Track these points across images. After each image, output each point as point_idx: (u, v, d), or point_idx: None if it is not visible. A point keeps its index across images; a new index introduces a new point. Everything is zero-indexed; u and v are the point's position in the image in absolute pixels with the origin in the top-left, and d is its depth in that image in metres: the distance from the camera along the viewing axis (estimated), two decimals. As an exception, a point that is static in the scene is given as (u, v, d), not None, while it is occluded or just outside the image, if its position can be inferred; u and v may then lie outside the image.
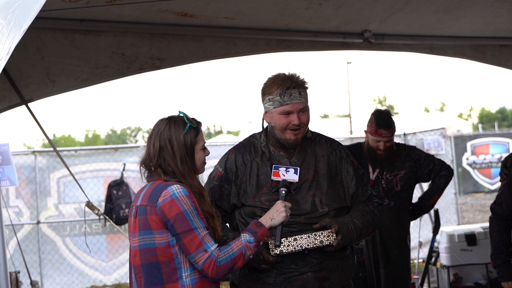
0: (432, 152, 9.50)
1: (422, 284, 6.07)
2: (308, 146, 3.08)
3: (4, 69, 2.32)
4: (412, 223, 5.34)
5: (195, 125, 2.71)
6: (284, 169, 2.92)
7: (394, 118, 4.96)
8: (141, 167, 2.76)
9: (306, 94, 2.99)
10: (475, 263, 6.21)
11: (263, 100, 3.03)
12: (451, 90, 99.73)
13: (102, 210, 8.61)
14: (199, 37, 4.68)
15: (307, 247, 2.84)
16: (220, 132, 63.82)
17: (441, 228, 6.43)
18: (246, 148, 3.09)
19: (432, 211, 6.82)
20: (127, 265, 2.84)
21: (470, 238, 6.33)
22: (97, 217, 8.25)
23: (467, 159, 17.69)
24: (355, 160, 3.23)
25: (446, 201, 9.90)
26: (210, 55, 4.78)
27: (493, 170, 17.56)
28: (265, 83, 3.04)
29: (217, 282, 2.70)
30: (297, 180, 2.91)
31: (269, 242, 2.81)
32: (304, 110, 2.97)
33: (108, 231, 9.08)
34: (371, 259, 4.94)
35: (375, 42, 5.13)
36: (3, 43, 2.13)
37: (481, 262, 6.13)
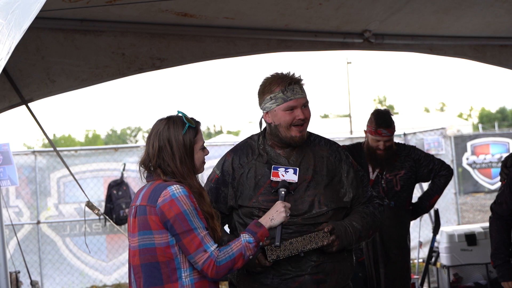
0: (432, 152, 9.49)
1: (422, 284, 6.07)
2: (307, 146, 3.08)
3: (4, 69, 2.32)
4: (412, 223, 5.34)
5: (194, 125, 2.71)
6: (284, 169, 2.92)
7: (394, 118, 4.97)
8: (141, 167, 2.76)
9: (304, 90, 3.01)
10: (475, 263, 6.21)
11: (262, 101, 3.01)
12: (451, 90, 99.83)
13: (102, 210, 8.61)
14: (199, 37, 4.68)
15: (303, 249, 2.83)
16: (220, 132, 63.82)
17: (441, 228, 6.43)
18: (244, 150, 3.08)
19: (432, 211, 6.81)
20: (127, 265, 2.83)
21: (470, 238, 6.33)
22: (97, 217, 8.25)
23: (467, 159, 17.69)
24: (355, 160, 3.23)
25: (446, 201, 9.90)
26: (210, 55, 4.77)
27: (493, 170, 17.56)
28: (262, 84, 3.03)
29: (217, 282, 2.70)
30: (297, 181, 2.91)
31: (266, 248, 2.81)
32: (306, 105, 2.99)
33: (108, 231, 9.08)
34: (371, 259, 4.93)
35: (375, 42, 5.13)
36: (3, 43, 2.13)
37: (481, 262, 6.13)
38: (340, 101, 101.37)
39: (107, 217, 6.86)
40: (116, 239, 9.12)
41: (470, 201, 18.42)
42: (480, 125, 44.02)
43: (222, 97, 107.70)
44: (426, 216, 7.88)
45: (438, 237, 6.22)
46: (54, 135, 59.25)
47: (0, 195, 4.51)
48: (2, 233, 4.22)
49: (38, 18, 2.07)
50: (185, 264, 2.61)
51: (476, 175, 18.17)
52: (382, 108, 5.42)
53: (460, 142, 16.77)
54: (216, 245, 2.59)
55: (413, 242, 7.31)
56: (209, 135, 58.32)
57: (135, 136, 68.37)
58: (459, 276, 6.25)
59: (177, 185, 2.61)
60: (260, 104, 3.04)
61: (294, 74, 3.01)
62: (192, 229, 2.56)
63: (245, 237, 2.64)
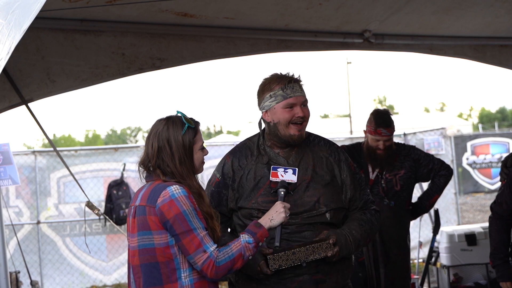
0: (432, 152, 9.49)
1: (422, 284, 6.07)
2: (307, 147, 3.08)
3: (4, 69, 2.32)
4: (412, 223, 5.34)
5: (193, 125, 2.70)
6: (283, 169, 2.91)
7: (394, 118, 4.97)
8: (140, 168, 2.75)
9: (304, 90, 3.02)
10: (475, 263, 6.21)
11: (262, 100, 3.02)
12: (451, 90, 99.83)
13: (102, 210, 8.61)
14: (199, 37, 4.68)
15: (305, 260, 2.83)
16: (220, 132, 63.82)
17: (441, 228, 6.43)
18: (242, 152, 3.09)
19: (432, 211, 6.82)
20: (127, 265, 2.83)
21: (470, 238, 6.33)
22: (97, 217, 8.25)
23: (467, 159, 17.69)
24: (355, 160, 3.23)
25: (446, 201, 9.90)
26: (210, 55, 4.77)
27: (493, 170, 17.56)
28: (261, 84, 3.05)
29: (216, 283, 2.70)
30: (296, 181, 2.91)
31: (268, 257, 2.80)
32: (305, 104, 3.00)
33: (108, 231, 9.08)
34: (371, 259, 4.94)
35: (375, 42, 5.13)
36: (3, 43, 2.13)
37: (481, 262, 6.13)
38: (340, 101, 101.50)
39: (107, 217, 6.87)
40: (116, 239, 9.13)
41: (470, 201, 18.42)
42: (480, 125, 44.03)
43: (222, 97, 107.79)
44: (426, 216, 7.89)
45: (438, 237, 6.22)
46: (54, 135, 59.26)
47: (0, 195, 4.52)
48: (2, 233, 4.22)
49: (38, 18, 2.07)
50: (185, 265, 2.60)
51: (476, 175, 18.17)
52: (382, 108, 5.42)
53: (460, 142, 16.77)
54: (215, 246, 2.59)
55: (413, 242, 7.31)
56: (209, 135, 58.31)
57: (135, 136, 68.39)
58: (459, 276, 6.25)
59: (177, 186, 2.60)
60: (259, 103, 3.05)
61: (293, 74, 3.03)
62: (192, 229, 2.56)
63: (244, 238, 2.64)
